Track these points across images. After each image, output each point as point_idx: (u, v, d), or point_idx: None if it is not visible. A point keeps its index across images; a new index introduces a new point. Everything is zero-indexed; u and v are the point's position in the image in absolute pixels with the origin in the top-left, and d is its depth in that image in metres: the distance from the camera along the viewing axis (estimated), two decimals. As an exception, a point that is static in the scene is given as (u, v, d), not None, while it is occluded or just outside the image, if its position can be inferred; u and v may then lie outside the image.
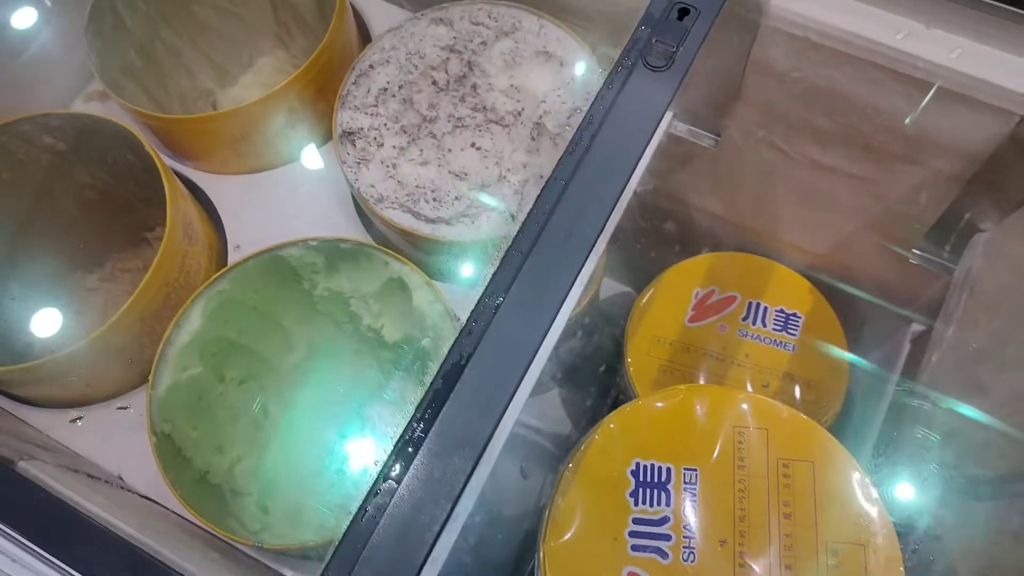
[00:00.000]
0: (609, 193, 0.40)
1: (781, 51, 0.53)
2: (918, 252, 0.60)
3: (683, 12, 0.44)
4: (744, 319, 0.74)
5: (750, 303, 0.75)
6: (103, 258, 0.69)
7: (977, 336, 0.53)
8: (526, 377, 0.37)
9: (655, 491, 0.46)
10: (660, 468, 0.46)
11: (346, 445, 0.60)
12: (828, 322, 0.74)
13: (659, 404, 0.49)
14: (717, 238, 0.78)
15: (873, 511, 0.45)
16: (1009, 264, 0.49)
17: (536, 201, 0.42)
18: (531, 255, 0.40)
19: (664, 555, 0.44)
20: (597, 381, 0.91)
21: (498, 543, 0.68)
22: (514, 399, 0.37)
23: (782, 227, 0.72)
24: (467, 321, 0.39)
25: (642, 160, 0.42)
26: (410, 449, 0.36)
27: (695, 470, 0.46)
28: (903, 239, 0.62)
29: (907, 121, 0.52)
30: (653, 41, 0.43)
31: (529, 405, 1.02)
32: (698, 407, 0.49)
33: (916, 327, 0.71)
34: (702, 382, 0.68)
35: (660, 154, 0.70)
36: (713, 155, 0.68)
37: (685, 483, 0.46)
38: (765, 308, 0.75)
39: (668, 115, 0.67)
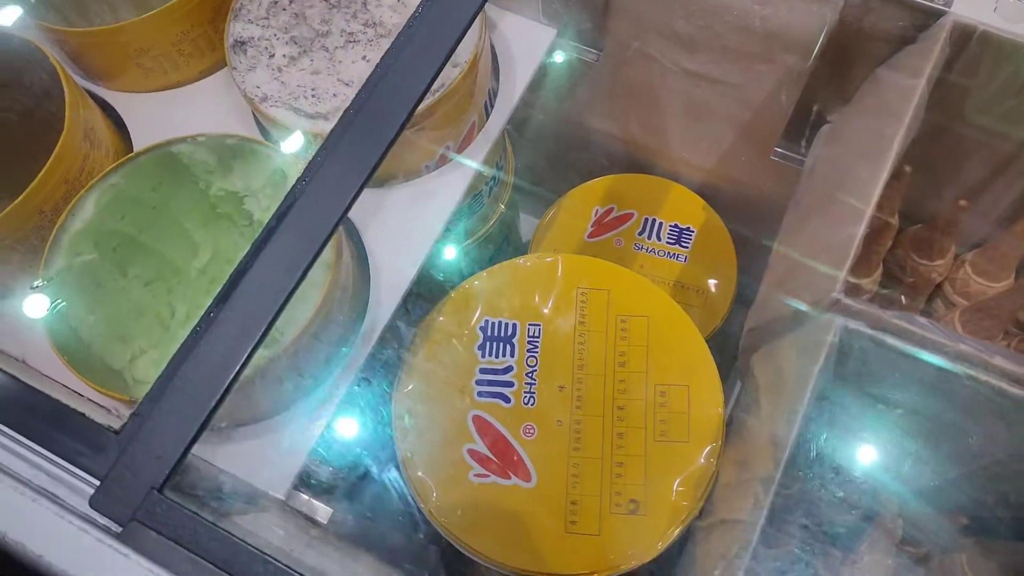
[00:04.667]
0: (437, 53, 0.44)
1: (631, -47, 0.57)
2: (779, 150, 0.64)
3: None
4: (640, 234, 0.79)
5: (646, 219, 0.79)
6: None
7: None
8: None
9: (501, 344, 0.50)
10: (506, 324, 0.50)
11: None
12: (719, 235, 0.78)
13: (517, 267, 0.53)
14: (618, 161, 0.82)
15: (696, 355, 0.48)
16: (841, 147, 0.53)
17: (376, 67, 0.46)
18: (362, 111, 0.44)
19: (507, 399, 0.48)
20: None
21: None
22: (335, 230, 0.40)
23: (672, 144, 0.76)
24: (302, 174, 0.43)
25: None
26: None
27: (539, 325, 0.50)
28: (770, 140, 0.65)
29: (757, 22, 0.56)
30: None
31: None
32: (554, 271, 0.53)
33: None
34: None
35: (552, 74, 0.74)
36: (599, 72, 0.72)
37: (529, 337, 0.50)
38: (660, 223, 0.79)
39: (551, 31, 0.71)
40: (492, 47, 0.69)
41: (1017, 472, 0.41)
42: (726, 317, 0.73)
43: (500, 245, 0.83)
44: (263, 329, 0.38)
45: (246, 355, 0.37)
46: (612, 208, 0.80)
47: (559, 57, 0.73)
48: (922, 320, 0.38)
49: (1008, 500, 0.43)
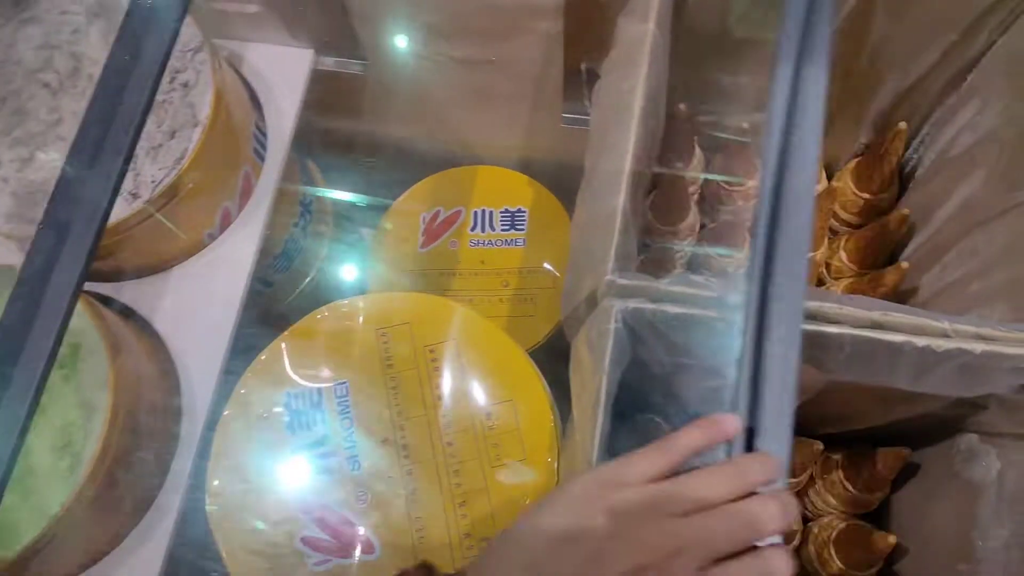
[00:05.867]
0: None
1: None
2: (568, 115, 0.61)
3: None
4: (473, 229, 0.75)
5: (475, 212, 0.76)
6: None
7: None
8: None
9: (309, 415, 0.46)
10: (310, 392, 0.46)
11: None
12: (552, 209, 0.75)
13: (311, 326, 0.49)
14: (433, 161, 0.78)
15: (516, 366, 0.46)
16: (599, 109, 0.50)
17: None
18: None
19: (330, 472, 0.44)
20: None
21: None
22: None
23: (473, 132, 0.72)
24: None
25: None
26: None
27: (345, 383, 0.46)
28: (555, 107, 0.63)
29: None
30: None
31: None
32: (353, 318, 0.49)
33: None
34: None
35: (331, 93, 0.69)
36: (375, 81, 0.67)
37: (338, 398, 0.46)
38: (490, 212, 0.76)
39: (308, 53, 0.66)
40: (248, 85, 0.63)
41: (827, 396, 0.40)
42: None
43: (346, 273, 0.79)
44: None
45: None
46: (439, 211, 0.76)
47: (329, 76, 0.68)
48: (697, 279, 0.36)
49: (835, 422, 0.42)
